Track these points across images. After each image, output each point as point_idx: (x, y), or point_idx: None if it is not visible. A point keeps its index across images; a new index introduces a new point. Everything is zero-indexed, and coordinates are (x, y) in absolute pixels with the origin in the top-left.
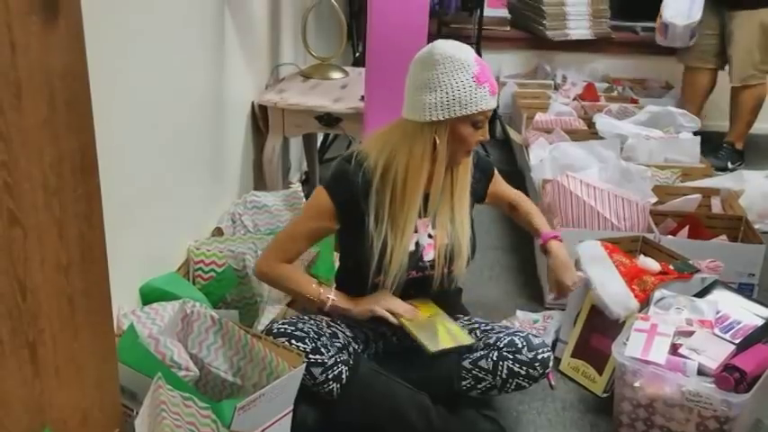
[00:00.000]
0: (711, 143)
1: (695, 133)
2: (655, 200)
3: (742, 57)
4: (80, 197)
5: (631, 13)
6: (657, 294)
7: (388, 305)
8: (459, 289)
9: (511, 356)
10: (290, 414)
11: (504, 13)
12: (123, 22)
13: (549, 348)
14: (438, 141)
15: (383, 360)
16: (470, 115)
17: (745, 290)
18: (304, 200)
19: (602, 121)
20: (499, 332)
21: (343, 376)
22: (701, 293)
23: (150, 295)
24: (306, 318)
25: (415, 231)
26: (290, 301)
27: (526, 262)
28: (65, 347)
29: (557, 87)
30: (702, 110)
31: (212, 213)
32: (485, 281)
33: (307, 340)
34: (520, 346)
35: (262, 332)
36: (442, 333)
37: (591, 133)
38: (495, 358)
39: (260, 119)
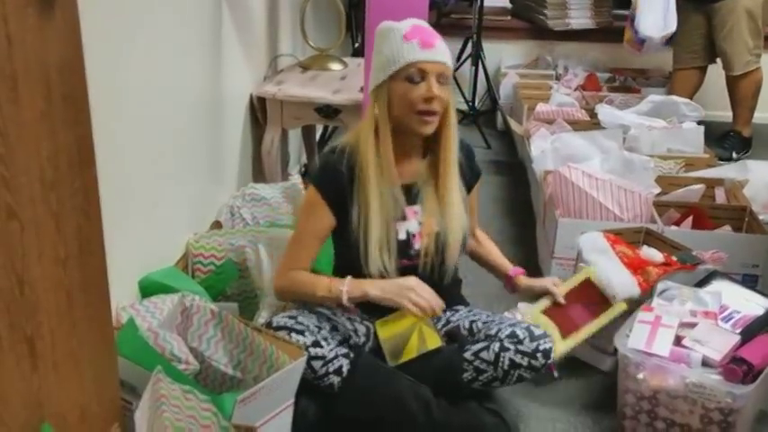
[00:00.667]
0: (713, 133)
1: (699, 123)
2: (658, 190)
3: (738, 45)
4: (77, 190)
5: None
6: (661, 286)
7: (414, 299)
8: (458, 280)
9: (512, 347)
10: (291, 407)
11: (504, 2)
12: (120, 14)
13: (550, 338)
14: (377, 108)
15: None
16: (400, 70)
17: (748, 281)
18: (303, 192)
19: (604, 112)
20: (501, 323)
21: (344, 369)
22: (700, 284)
23: (149, 289)
24: (306, 311)
25: (404, 219)
26: None
27: (528, 253)
28: (63, 341)
29: (558, 78)
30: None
31: (211, 206)
32: (486, 272)
33: (307, 333)
34: (521, 336)
35: (262, 325)
36: (412, 343)
37: (593, 124)
38: (496, 349)
39: (258, 111)
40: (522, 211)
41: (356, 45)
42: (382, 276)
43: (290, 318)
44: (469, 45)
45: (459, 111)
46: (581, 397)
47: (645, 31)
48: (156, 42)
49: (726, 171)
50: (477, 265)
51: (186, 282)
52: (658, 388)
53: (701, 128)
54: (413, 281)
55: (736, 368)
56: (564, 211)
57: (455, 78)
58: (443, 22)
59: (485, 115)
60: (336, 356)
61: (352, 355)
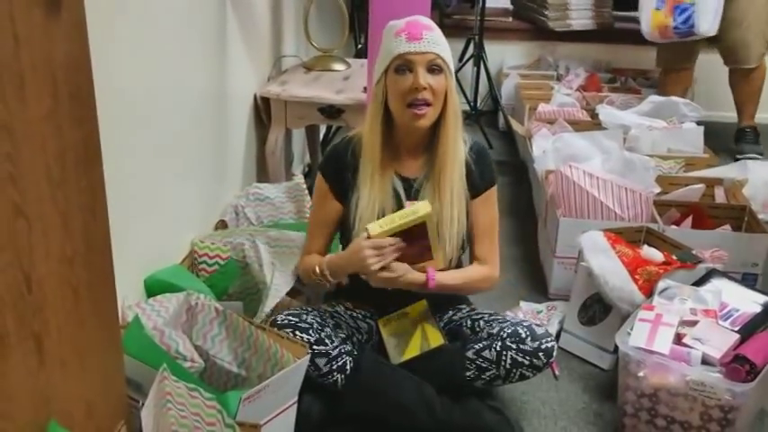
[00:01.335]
0: (723, 134)
1: (698, 123)
2: (658, 190)
3: (758, 36)
4: (84, 189)
5: (634, 2)
6: (661, 284)
7: (367, 264)
8: None
9: (514, 346)
10: (295, 405)
11: (506, 3)
12: (126, 14)
13: (552, 338)
14: (378, 103)
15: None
16: (390, 64)
17: (748, 280)
18: (307, 192)
19: (605, 112)
20: (503, 322)
21: (348, 367)
22: (699, 282)
23: (154, 287)
24: (309, 309)
25: None
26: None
27: (529, 253)
28: (70, 339)
29: (559, 78)
30: None
31: (215, 206)
32: None
33: (310, 331)
34: (523, 336)
35: (264, 321)
36: (415, 341)
37: (594, 124)
38: (498, 348)
39: (262, 111)
40: (524, 210)
41: (359, 46)
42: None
43: (294, 316)
44: (471, 46)
45: (461, 112)
46: (582, 394)
47: (701, 27)
48: (162, 42)
49: (725, 171)
50: None
51: (191, 280)
52: (659, 386)
53: (701, 128)
54: (355, 245)
55: (739, 367)
56: (565, 211)
57: (457, 79)
58: (446, 22)
59: (486, 116)
60: (340, 354)
61: (355, 352)
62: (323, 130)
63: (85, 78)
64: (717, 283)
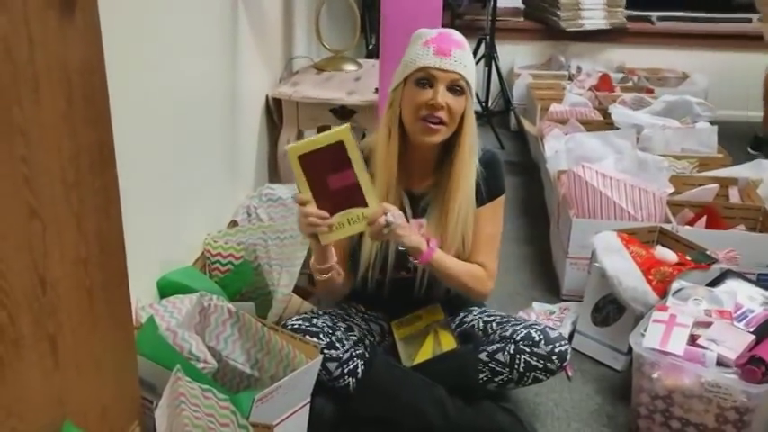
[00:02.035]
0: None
1: (711, 123)
2: (671, 190)
3: None
4: (98, 191)
5: (647, 2)
6: (676, 285)
7: (302, 224)
8: None
9: (528, 350)
10: (308, 406)
11: (517, 3)
12: (139, 16)
13: (566, 341)
14: (392, 111)
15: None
16: (412, 74)
17: (763, 281)
18: None
19: (618, 112)
20: (516, 324)
21: (359, 371)
22: (713, 283)
23: (167, 288)
24: (320, 312)
25: None
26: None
27: (542, 253)
28: (84, 340)
29: (571, 78)
30: None
31: (228, 207)
32: (500, 272)
33: (321, 335)
34: (537, 339)
35: (276, 322)
36: (428, 344)
37: (606, 124)
38: (511, 351)
39: (274, 112)
40: (536, 211)
41: (370, 46)
42: (365, 283)
43: (304, 320)
44: (483, 46)
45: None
46: (595, 396)
47: None
48: (174, 44)
49: (740, 171)
50: None
51: (204, 281)
52: (673, 387)
53: (715, 127)
54: (296, 212)
55: (755, 369)
56: (578, 211)
57: None
58: (457, 23)
59: (498, 116)
60: (351, 357)
61: (366, 355)
62: None
63: (99, 80)
64: (731, 284)
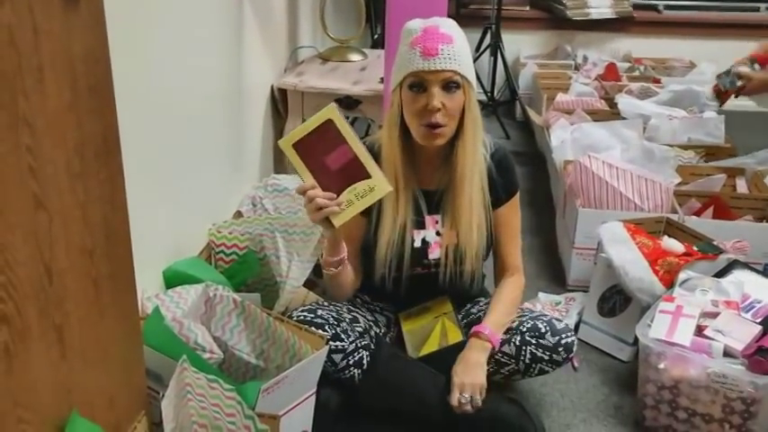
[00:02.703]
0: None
1: (719, 112)
2: (678, 180)
3: None
4: (103, 181)
5: None
6: (682, 276)
7: (307, 209)
8: (482, 275)
9: (534, 341)
10: (314, 396)
11: None
12: (144, 6)
13: (572, 332)
14: (395, 110)
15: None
16: (404, 79)
17: None
18: None
19: (624, 102)
20: (521, 316)
21: (364, 362)
22: (721, 273)
23: (173, 279)
24: (326, 304)
25: (423, 228)
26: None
27: (548, 244)
28: (91, 330)
29: (577, 68)
30: None
31: (233, 197)
32: None
33: (327, 327)
34: (543, 330)
35: (281, 313)
36: (434, 336)
37: (612, 114)
38: (517, 343)
39: (279, 102)
40: (542, 201)
41: (376, 36)
42: (383, 281)
43: (310, 312)
44: (488, 35)
45: (478, 102)
46: (601, 386)
47: None
48: (179, 34)
49: (747, 160)
50: None
51: (209, 272)
52: (680, 378)
53: (722, 117)
54: (303, 203)
55: (762, 359)
56: (584, 201)
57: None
58: (462, 12)
59: (504, 106)
60: (357, 349)
61: (372, 346)
62: None
63: (104, 70)
64: (739, 275)
